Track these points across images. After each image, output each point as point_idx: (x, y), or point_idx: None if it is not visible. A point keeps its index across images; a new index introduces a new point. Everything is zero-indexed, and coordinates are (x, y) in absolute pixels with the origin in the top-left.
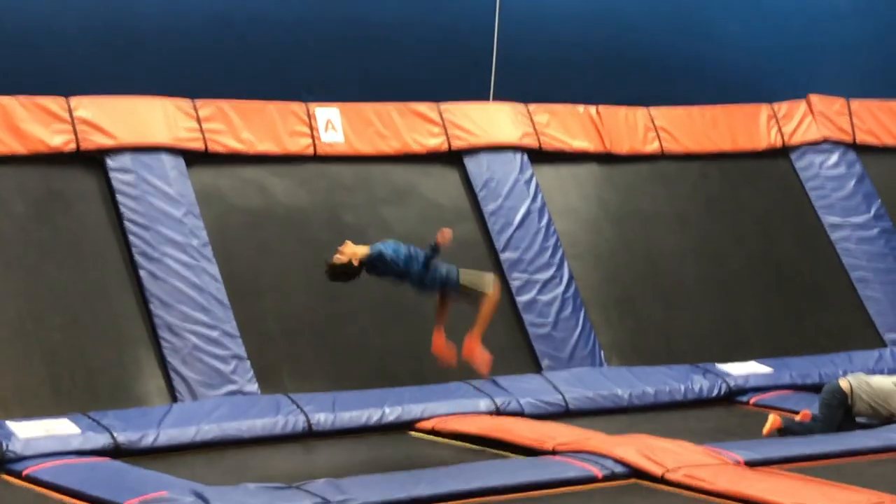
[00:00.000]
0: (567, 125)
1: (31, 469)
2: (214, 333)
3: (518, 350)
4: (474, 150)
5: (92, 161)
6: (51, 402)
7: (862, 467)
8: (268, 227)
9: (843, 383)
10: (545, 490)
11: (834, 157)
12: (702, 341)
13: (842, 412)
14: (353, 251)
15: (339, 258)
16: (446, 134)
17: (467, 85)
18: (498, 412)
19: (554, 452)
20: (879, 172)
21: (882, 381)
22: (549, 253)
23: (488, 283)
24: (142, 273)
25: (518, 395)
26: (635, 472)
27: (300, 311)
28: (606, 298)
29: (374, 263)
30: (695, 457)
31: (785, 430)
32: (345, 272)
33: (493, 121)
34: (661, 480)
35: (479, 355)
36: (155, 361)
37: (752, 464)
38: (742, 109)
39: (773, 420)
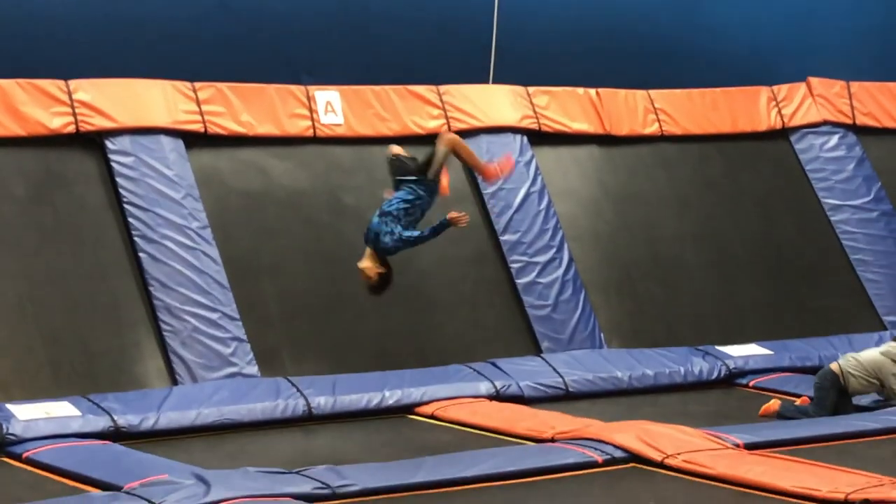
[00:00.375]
0: (567, 107)
1: (31, 451)
2: (214, 316)
3: (518, 332)
4: (474, 133)
5: (91, 143)
6: (51, 384)
7: (861, 449)
8: (267, 210)
9: (833, 365)
10: (546, 475)
11: (834, 140)
12: (701, 324)
13: (835, 393)
14: (371, 267)
15: (369, 279)
16: (446, 116)
17: (467, 68)
18: (498, 395)
19: (553, 441)
20: (879, 155)
21: (870, 353)
22: (548, 235)
23: (441, 147)
24: (141, 255)
25: (518, 377)
26: (635, 458)
27: (300, 293)
28: (606, 280)
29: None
30: (694, 441)
31: (781, 414)
32: (382, 284)
33: (492, 103)
34: (661, 466)
35: (497, 167)
36: (155, 344)
37: (751, 447)
38: (742, 92)
39: (770, 403)
